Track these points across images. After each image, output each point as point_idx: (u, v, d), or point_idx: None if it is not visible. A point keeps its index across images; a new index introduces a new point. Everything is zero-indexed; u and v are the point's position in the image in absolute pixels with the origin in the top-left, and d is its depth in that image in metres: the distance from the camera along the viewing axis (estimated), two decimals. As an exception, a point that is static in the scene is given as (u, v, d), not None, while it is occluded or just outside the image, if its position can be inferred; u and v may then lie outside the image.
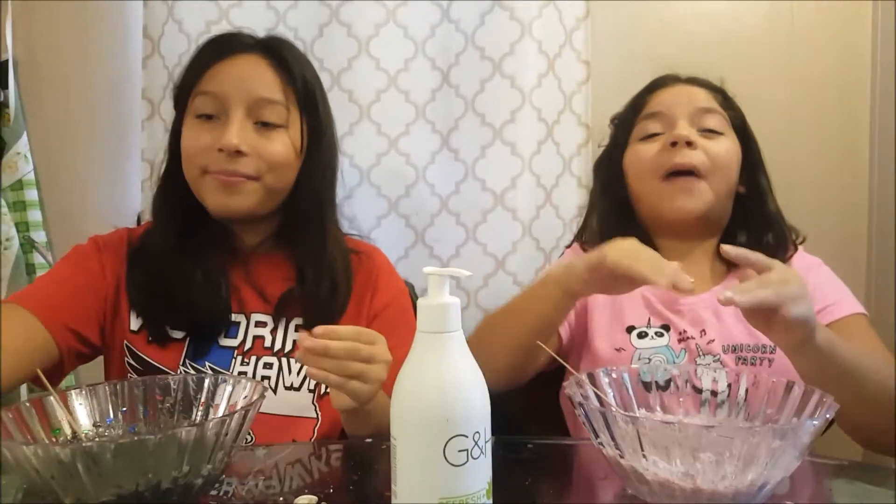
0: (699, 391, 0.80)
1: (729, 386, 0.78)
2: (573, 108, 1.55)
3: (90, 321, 0.96)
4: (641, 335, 1.06)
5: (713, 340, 1.04)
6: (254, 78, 0.97)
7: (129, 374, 0.97)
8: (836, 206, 1.61)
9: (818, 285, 1.06)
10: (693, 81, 1.16)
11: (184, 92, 1.00)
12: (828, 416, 0.64)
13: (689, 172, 1.07)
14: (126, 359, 0.97)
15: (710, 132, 1.09)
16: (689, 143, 1.06)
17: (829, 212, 1.60)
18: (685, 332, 1.05)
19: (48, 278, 1.00)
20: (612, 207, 1.17)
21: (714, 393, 0.79)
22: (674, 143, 1.07)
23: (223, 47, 0.99)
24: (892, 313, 1.45)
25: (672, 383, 0.85)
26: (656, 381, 0.81)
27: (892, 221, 1.51)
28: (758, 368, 1.01)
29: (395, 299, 1.08)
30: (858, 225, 1.62)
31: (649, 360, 1.03)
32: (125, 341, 0.97)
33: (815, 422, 0.62)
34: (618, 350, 1.06)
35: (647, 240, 1.12)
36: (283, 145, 0.98)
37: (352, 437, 0.93)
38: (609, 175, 1.19)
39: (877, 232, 1.57)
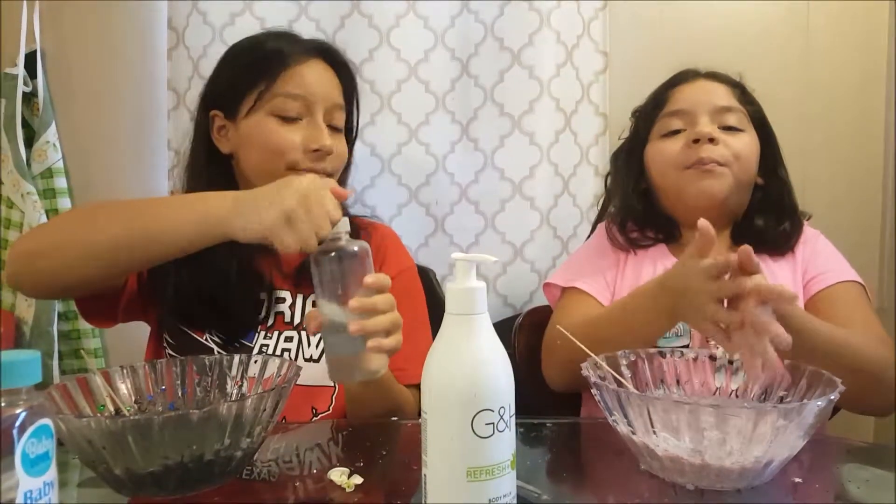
0: (714, 359, 0.82)
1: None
2: (591, 97, 1.57)
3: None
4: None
5: None
6: (329, 83, 1.06)
7: (165, 338, 1.03)
8: (850, 201, 1.61)
9: (813, 255, 1.13)
10: (713, 77, 1.18)
11: (245, 87, 1.02)
12: (832, 398, 0.66)
13: (711, 162, 1.09)
14: (164, 330, 1.03)
15: (730, 129, 1.12)
16: (712, 140, 1.09)
17: (843, 206, 1.60)
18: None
19: None
20: (635, 198, 1.20)
21: (731, 361, 0.81)
22: (696, 140, 1.10)
23: (295, 49, 1.05)
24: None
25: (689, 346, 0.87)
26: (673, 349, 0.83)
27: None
28: None
29: (402, 273, 1.12)
30: (872, 220, 1.62)
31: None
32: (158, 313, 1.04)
33: (818, 402, 0.64)
34: None
35: (671, 227, 1.18)
36: (344, 147, 1.08)
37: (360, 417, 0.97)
38: (630, 168, 1.21)
39: (890, 227, 1.58)
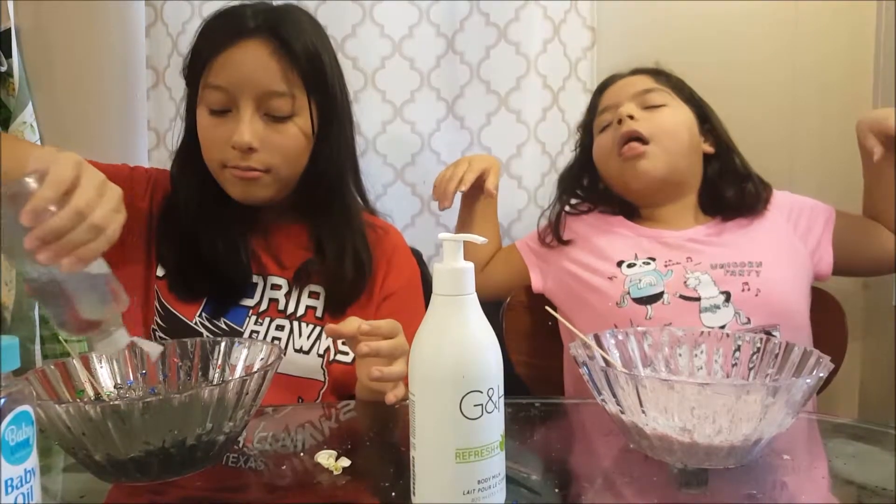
0: (693, 300, 0.85)
1: (725, 294, 0.84)
2: (579, 74, 1.55)
3: None
4: (630, 266, 1.16)
5: (700, 263, 1.13)
6: (259, 70, 0.94)
7: (154, 317, 1.00)
8: (838, 191, 1.60)
9: (807, 218, 1.21)
10: (634, 72, 1.27)
11: (193, 74, 0.99)
12: (821, 375, 0.66)
13: (636, 139, 1.17)
14: (154, 301, 1.00)
15: (653, 108, 1.20)
16: (631, 117, 1.17)
17: (830, 196, 1.59)
18: (671, 260, 1.14)
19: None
20: (599, 200, 1.30)
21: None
22: (620, 122, 1.19)
23: (228, 33, 0.96)
24: (890, 300, 1.47)
25: (664, 295, 0.99)
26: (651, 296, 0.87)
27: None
28: (747, 278, 1.10)
29: (409, 281, 1.10)
30: (859, 210, 1.61)
31: (640, 279, 1.12)
32: (155, 286, 1.00)
33: (807, 380, 0.64)
34: (610, 278, 1.15)
35: (634, 212, 1.25)
36: (292, 136, 0.97)
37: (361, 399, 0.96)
38: (586, 176, 1.31)
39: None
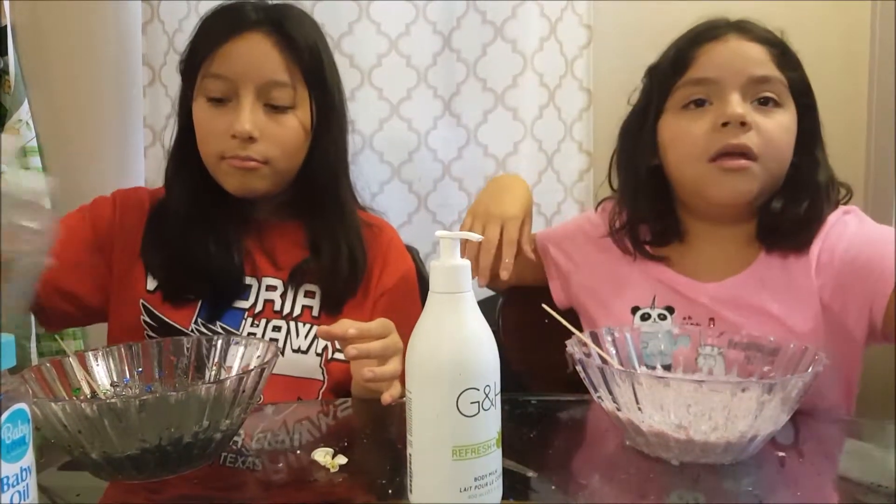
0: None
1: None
2: (575, 72, 1.55)
3: (82, 278, 0.98)
4: (644, 317, 1.00)
5: (722, 335, 0.87)
6: (261, 60, 0.96)
7: (144, 332, 0.99)
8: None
9: (849, 274, 0.92)
10: (747, 32, 0.96)
11: (191, 67, 0.99)
12: (817, 371, 0.66)
13: (740, 154, 0.92)
14: (142, 316, 0.99)
15: (765, 104, 0.93)
16: (743, 124, 0.91)
17: None
18: (689, 317, 0.98)
19: None
20: (640, 180, 1.03)
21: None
22: (724, 123, 0.92)
23: (230, 25, 0.97)
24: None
25: (671, 368, 0.85)
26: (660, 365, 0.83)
27: (891, 197, 1.51)
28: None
29: (404, 278, 1.10)
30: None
31: (648, 342, 0.90)
32: (141, 300, 0.99)
33: (802, 377, 0.64)
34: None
35: (676, 219, 1.03)
36: (292, 128, 0.98)
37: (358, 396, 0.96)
38: (638, 142, 1.03)
39: (872, 206, 1.58)
